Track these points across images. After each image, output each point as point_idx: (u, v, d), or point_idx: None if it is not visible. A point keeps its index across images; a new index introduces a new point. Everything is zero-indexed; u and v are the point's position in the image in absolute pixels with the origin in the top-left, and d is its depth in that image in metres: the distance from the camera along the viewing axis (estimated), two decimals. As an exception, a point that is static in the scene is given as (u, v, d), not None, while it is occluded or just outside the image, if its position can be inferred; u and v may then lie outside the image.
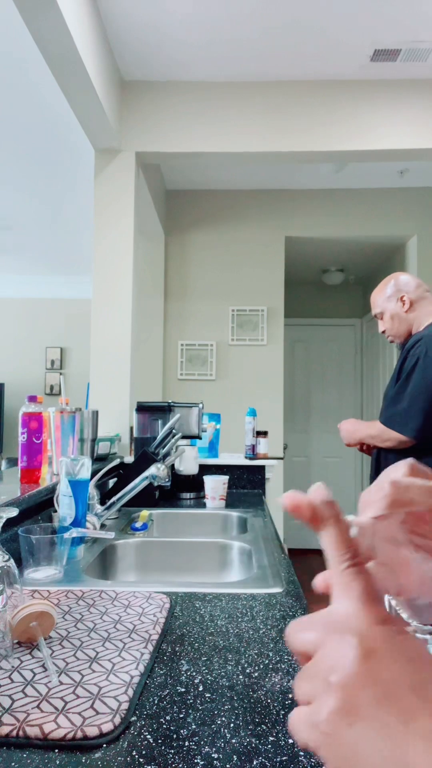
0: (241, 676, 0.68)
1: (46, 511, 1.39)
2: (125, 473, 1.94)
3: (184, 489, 2.14)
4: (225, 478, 1.94)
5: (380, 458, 1.89)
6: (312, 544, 4.73)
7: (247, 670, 0.70)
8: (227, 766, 0.51)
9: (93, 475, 1.71)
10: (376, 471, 1.93)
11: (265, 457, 2.40)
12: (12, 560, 0.79)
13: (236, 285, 4.00)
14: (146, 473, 1.49)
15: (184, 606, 0.93)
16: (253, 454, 2.40)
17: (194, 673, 0.69)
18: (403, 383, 1.76)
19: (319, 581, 0.33)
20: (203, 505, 1.95)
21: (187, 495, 2.13)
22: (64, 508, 1.24)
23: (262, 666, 0.71)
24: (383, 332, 1.97)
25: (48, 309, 6.65)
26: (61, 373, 6.42)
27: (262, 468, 2.36)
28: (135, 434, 2.27)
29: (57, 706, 0.59)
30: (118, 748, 0.54)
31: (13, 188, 4.00)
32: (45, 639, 0.76)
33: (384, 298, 1.93)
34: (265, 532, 1.56)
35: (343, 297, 5.59)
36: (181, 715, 0.59)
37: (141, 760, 0.52)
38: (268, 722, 0.58)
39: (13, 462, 4.44)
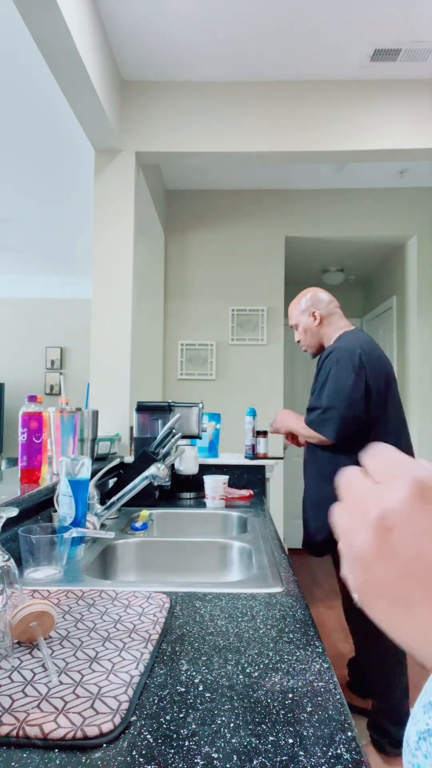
0: (241, 676, 0.68)
1: (46, 511, 1.39)
2: (125, 473, 1.94)
3: (184, 489, 2.14)
4: (225, 477, 1.94)
5: (308, 453, 2.10)
6: (312, 544, 4.72)
7: (247, 670, 0.70)
8: (227, 766, 0.51)
9: (93, 475, 1.71)
10: (312, 458, 2.07)
11: (265, 457, 2.40)
12: (12, 560, 0.79)
13: (236, 285, 4.00)
14: (146, 473, 1.49)
15: (184, 606, 0.93)
16: (253, 454, 2.40)
17: (194, 673, 0.69)
18: (320, 391, 1.96)
19: None
20: (203, 505, 1.95)
21: (187, 495, 2.13)
22: (64, 507, 1.24)
23: (262, 666, 0.71)
24: (298, 341, 2.15)
25: (48, 309, 6.65)
26: (61, 373, 6.42)
27: (262, 468, 2.36)
28: (135, 434, 2.27)
29: (57, 706, 0.59)
30: (118, 747, 0.54)
31: (13, 188, 4.00)
32: (45, 639, 0.76)
33: (299, 311, 2.11)
34: (265, 532, 1.56)
35: (343, 297, 5.58)
36: (181, 715, 0.59)
37: (141, 759, 0.52)
38: (268, 722, 0.58)
39: (13, 462, 4.45)
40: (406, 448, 1.99)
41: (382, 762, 1.79)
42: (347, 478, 0.30)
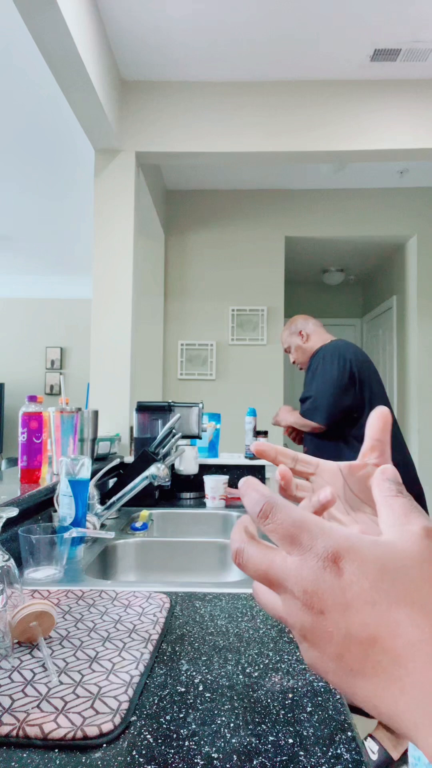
0: (241, 676, 0.68)
1: (46, 511, 1.39)
2: (125, 473, 1.94)
3: (184, 489, 2.14)
4: (225, 477, 1.94)
5: (307, 444, 2.36)
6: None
7: (247, 670, 0.70)
8: (227, 766, 0.51)
9: (93, 474, 1.71)
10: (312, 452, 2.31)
11: (266, 457, 2.40)
12: (12, 560, 0.79)
13: (236, 285, 4.00)
14: (146, 473, 1.49)
15: (184, 606, 0.93)
16: (253, 453, 2.40)
17: (194, 673, 0.69)
18: (311, 383, 2.23)
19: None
20: (203, 505, 1.95)
21: (187, 495, 2.13)
22: (64, 507, 1.24)
23: (262, 666, 0.71)
24: (294, 362, 2.46)
25: (48, 309, 6.65)
26: (61, 373, 6.42)
27: (262, 468, 2.36)
28: (135, 434, 2.27)
29: (57, 706, 0.59)
30: (118, 747, 0.54)
31: (14, 188, 4.00)
32: (45, 639, 0.76)
33: (288, 334, 2.43)
34: (265, 532, 1.55)
35: (343, 297, 5.59)
36: (181, 715, 0.59)
37: (141, 759, 0.52)
38: (268, 722, 0.58)
39: (13, 462, 4.45)
40: (393, 435, 2.13)
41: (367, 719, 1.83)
42: (248, 551, 0.28)
